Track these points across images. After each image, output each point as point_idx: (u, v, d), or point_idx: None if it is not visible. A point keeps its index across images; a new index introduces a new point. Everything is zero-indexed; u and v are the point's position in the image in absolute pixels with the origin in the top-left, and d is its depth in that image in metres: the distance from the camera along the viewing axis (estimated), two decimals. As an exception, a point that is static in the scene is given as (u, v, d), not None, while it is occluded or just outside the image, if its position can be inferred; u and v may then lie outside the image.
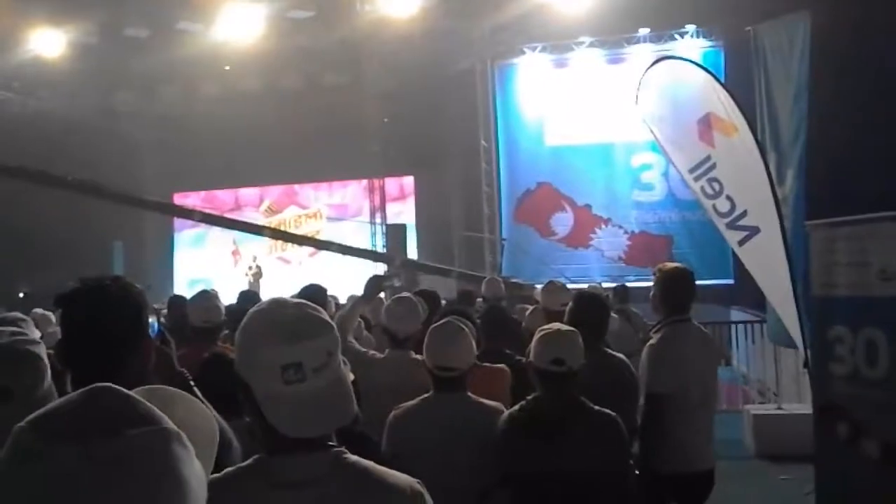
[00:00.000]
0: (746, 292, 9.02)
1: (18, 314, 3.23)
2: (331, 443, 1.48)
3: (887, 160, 9.84)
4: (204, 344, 3.79)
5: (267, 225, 18.00)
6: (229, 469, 1.51)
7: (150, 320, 2.61)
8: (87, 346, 1.79)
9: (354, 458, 1.48)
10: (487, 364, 3.75)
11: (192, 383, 2.34)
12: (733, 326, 10.50)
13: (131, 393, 0.83)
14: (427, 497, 1.49)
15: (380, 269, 15.71)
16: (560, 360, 2.78)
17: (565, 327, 2.99)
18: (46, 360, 2.01)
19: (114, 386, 0.82)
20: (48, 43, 14.92)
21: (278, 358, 1.40)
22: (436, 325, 3.05)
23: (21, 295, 15.30)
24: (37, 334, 2.89)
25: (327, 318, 1.51)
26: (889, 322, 4.21)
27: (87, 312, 1.82)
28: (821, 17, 7.57)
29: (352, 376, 2.78)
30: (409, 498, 1.46)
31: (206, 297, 4.26)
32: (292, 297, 4.66)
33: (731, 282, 13.07)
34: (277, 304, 1.51)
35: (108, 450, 0.75)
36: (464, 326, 3.00)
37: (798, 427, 5.85)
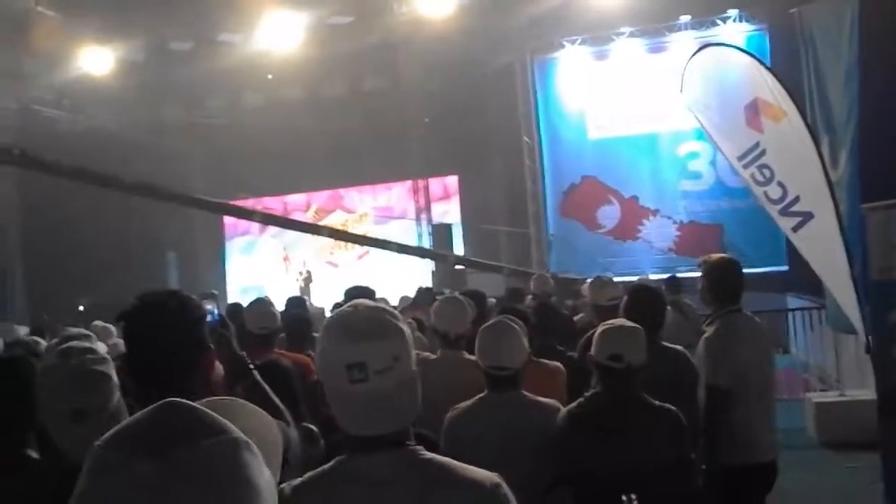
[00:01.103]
0: (802, 278, 8.83)
1: (82, 330, 3.32)
2: (408, 441, 1.51)
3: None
4: (261, 350, 3.85)
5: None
6: (310, 473, 1.56)
7: (209, 307, 2.68)
8: (151, 361, 1.84)
9: (431, 454, 1.51)
10: (543, 360, 3.75)
11: (251, 366, 2.39)
12: (790, 314, 10.30)
13: (198, 405, 0.85)
14: (506, 489, 1.50)
15: (427, 271, 15.80)
16: (619, 357, 2.76)
17: (628, 323, 2.95)
18: (115, 378, 2.07)
19: (180, 400, 0.84)
20: (96, 60, 15.31)
21: (343, 356, 1.45)
22: (487, 325, 3.05)
23: (81, 308, 15.71)
24: (102, 348, 2.97)
25: (400, 323, 1.53)
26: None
27: (148, 329, 1.87)
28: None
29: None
30: (488, 491, 1.48)
31: (262, 304, 4.34)
32: (339, 301, 4.69)
33: (785, 268, 12.79)
34: (355, 305, 1.56)
35: (182, 461, 0.77)
36: (515, 325, 3.00)
37: (862, 414, 5.74)
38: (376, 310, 1.53)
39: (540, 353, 3.81)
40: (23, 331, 6.09)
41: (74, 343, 2.46)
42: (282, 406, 2.26)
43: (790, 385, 8.77)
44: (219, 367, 2.65)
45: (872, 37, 7.30)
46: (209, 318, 2.29)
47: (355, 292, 5.03)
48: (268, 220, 16.23)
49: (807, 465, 6.22)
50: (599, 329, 2.90)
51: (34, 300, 16.60)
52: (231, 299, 15.73)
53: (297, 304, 6.03)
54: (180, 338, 1.85)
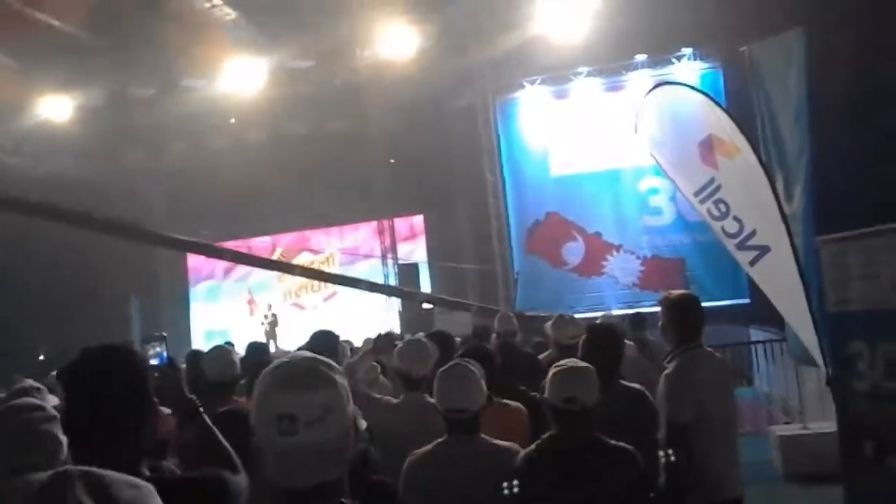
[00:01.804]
0: (764, 311, 8.91)
1: (34, 383, 3.26)
2: (342, 498, 1.49)
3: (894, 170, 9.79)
4: (219, 399, 3.80)
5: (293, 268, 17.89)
6: None
7: (158, 349, 2.64)
8: (90, 419, 1.80)
9: None
10: (505, 401, 3.73)
11: (201, 409, 2.35)
12: (752, 346, 10.40)
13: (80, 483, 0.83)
14: None
15: (393, 313, 15.71)
16: (572, 399, 2.76)
17: (579, 364, 2.96)
18: (61, 436, 2.02)
19: (70, 471, 0.83)
20: (55, 108, 15.21)
21: (274, 407, 1.44)
22: (444, 368, 3.05)
23: (41, 357, 15.37)
24: (52, 401, 2.91)
25: (335, 375, 1.51)
26: (906, 334, 4.17)
27: (88, 387, 1.83)
28: (815, 31, 7.60)
29: (364, 423, 2.79)
30: None
31: (221, 353, 4.29)
32: (303, 344, 4.63)
33: (747, 301, 12.94)
34: (292, 357, 1.55)
35: None
36: (472, 368, 3.00)
37: (825, 446, 5.77)
38: (311, 360, 1.52)
39: (502, 393, 3.80)
40: (-24, 384, 5.93)
41: (22, 400, 2.42)
42: (230, 451, 2.21)
43: (754, 418, 8.83)
44: (169, 421, 2.60)
45: (820, 71, 7.50)
46: (157, 360, 2.25)
47: (318, 336, 4.99)
48: (239, 258, 15.97)
49: (772, 499, 6.24)
50: (551, 372, 2.90)
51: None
52: (195, 344, 15.53)
53: (260, 351, 5.95)
54: (121, 396, 1.81)
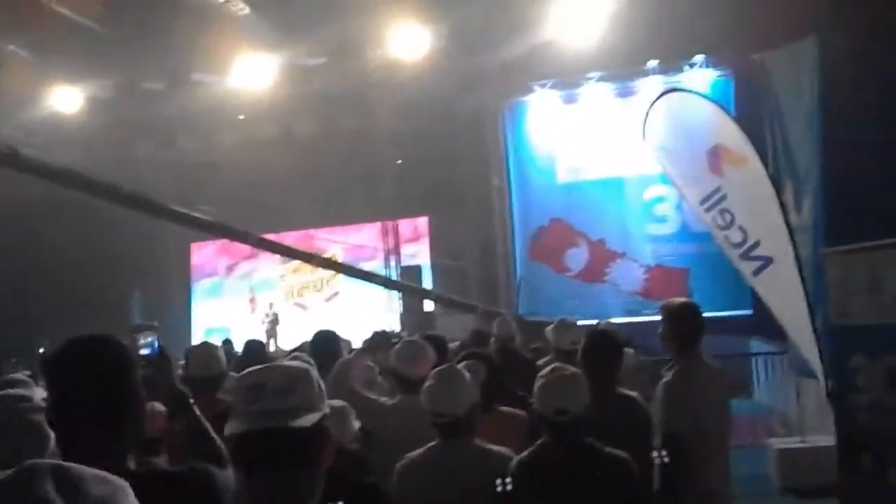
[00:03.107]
0: (767, 323, 8.83)
1: (21, 375, 3.24)
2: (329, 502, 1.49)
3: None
4: (205, 395, 3.74)
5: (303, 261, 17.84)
6: None
7: (150, 339, 2.63)
8: (72, 410, 1.75)
9: None
10: (504, 408, 3.69)
11: (191, 401, 2.34)
12: (754, 358, 10.31)
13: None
14: None
15: (394, 315, 15.70)
16: (563, 410, 2.72)
17: (567, 371, 2.91)
18: (48, 429, 1.98)
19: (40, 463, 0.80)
20: (66, 99, 15.25)
21: (244, 381, 1.54)
22: (436, 370, 3.01)
23: (41, 350, 15.37)
24: (40, 394, 2.89)
25: (311, 368, 1.60)
26: (908, 350, 4.14)
27: (70, 376, 1.77)
28: (829, 40, 7.53)
29: (357, 424, 2.76)
30: None
31: (206, 348, 4.27)
32: (305, 342, 4.65)
33: (750, 312, 12.84)
34: None
35: None
36: (461, 372, 2.95)
37: (823, 460, 5.72)
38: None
39: (501, 398, 3.77)
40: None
41: (9, 391, 2.39)
42: (220, 444, 2.16)
43: (753, 430, 8.73)
44: (163, 418, 2.57)
45: (833, 83, 7.43)
46: (148, 350, 2.23)
47: (321, 337, 4.98)
48: (262, 244, 15.84)
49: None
50: (539, 381, 2.85)
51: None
52: (196, 341, 15.51)
53: (257, 350, 5.97)
54: (105, 387, 1.76)
